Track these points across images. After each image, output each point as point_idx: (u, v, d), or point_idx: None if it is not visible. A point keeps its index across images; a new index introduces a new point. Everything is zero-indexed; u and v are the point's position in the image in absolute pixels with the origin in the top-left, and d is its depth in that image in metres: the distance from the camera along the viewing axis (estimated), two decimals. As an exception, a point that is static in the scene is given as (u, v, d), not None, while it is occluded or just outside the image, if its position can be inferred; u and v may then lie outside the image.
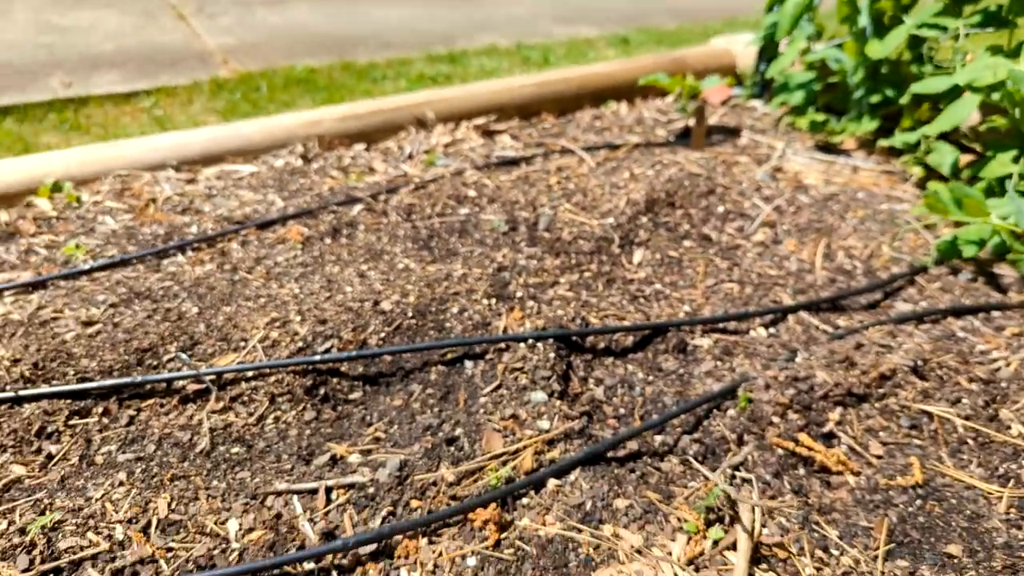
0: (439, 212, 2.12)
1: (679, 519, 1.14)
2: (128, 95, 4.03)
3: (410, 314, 1.60)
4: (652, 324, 1.58)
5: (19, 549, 1.08)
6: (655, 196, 2.12)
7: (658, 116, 2.93)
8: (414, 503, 1.18)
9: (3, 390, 1.38)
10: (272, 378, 1.44)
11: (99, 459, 1.29)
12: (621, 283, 1.79)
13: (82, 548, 1.09)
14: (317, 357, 1.45)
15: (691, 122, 2.71)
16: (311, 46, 4.82)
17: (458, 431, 1.31)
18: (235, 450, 1.31)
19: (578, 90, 3.07)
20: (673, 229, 2.01)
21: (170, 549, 1.09)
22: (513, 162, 2.48)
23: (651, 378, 1.48)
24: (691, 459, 1.27)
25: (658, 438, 1.33)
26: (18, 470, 1.26)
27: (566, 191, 2.21)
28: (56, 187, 2.32)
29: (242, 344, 1.52)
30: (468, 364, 1.49)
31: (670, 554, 1.08)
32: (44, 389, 1.38)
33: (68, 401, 1.37)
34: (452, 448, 1.28)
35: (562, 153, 2.56)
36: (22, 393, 1.36)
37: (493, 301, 1.67)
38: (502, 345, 1.51)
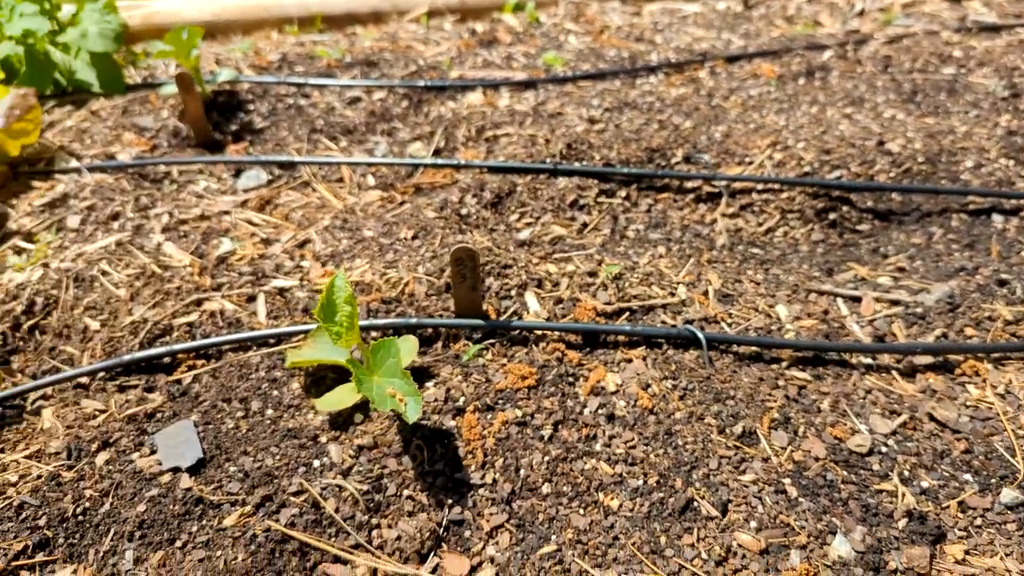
0: (920, 68, 1.95)
1: None
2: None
3: (920, 159, 1.51)
4: None
5: (593, 288, 1.22)
6: None
7: None
8: (968, 331, 1.13)
9: (543, 162, 1.53)
10: (784, 195, 1.44)
11: (630, 234, 1.39)
12: None
13: (649, 297, 1.19)
14: (833, 180, 1.42)
15: None
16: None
17: (1006, 276, 1.23)
18: (753, 251, 1.35)
19: (1062, -39, 2.60)
20: None
21: (730, 315, 1.16)
22: (993, 29, 2.20)
23: None
24: None
25: None
26: (558, 230, 1.41)
27: (1081, 62, 1.92)
28: (518, 6, 2.49)
29: (746, 160, 1.53)
30: (997, 218, 1.38)
31: None
32: (576, 166, 1.51)
33: (595, 181, 1.49)
34: (1003, 290, 1.21)
35: (1051, 26, 2.21)
36: (559, 167, 1.50)
37: (1010, 163, 1.52)
38: (1037, 204, 1.37)
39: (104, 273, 1.31)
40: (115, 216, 1.46)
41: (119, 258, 1.34)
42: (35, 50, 1.89)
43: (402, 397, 0.89)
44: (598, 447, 0.95)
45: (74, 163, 1.63)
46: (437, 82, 1.93)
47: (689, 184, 1.49)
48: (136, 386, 1.10)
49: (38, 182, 1.60)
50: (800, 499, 0.88)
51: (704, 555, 0.82)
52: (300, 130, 1.79)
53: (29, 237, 1.42)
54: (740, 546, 0.83)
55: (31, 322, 1.23)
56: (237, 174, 1.62)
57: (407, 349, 1.04)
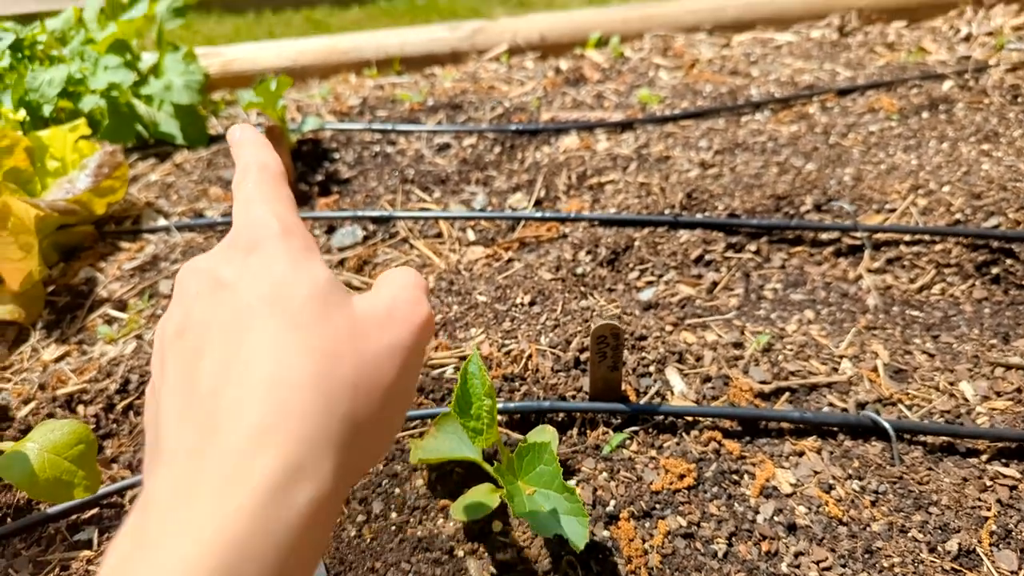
0: (1055, 98, 1.78)
1: None
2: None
3: (1087, 203, 1.34)
4: None
5: (743, 362, 1.08)
6: None
7: None
8: None
9: (661, 213, 1.41)
10: (937, 246, 1.29)
11: (767, 294, 1.25)
12: None
13: (810, 373, 1.05)
14: (991, 230, 1.27)
15: None
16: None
17: None
18: (912, 313, 1.20)
19: None
20: None
21: (908, 395, 1.01)
22: None
23: None
24: None
25: None
26: (686, 290, 1.28)
27: None
28: (601, 41, 2.38)
29: (886, 206, 1.39)
30: None
31: None
32: (699, 218, 1.38)
33: (720, 233, 1.36)
34: None
35: None
36: (680, 219, 1.37)
37: None
38: None
39: (200, 346, 1.21)
40: (207, 280, 1.38)
41: (214, 328, 1.25)
42: (118, 103, 1.85)
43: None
44: (784, 567, 0.81)
45: (162, 221, 1.57)
46: (529, 126, 1.83)
47: (824, 236, 1.35)
48: (244, 480, 0.99)
49: (126, 242, 1.53)
50: (1047, 640, 0.73)
51: None
52: (390, 180, 1.70)
53: (121, 305, 1.35)
54: None
55: (125, 402, 1.15)
56: (330, 231, 1.53)
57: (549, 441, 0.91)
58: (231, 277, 0.41)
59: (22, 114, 1.69)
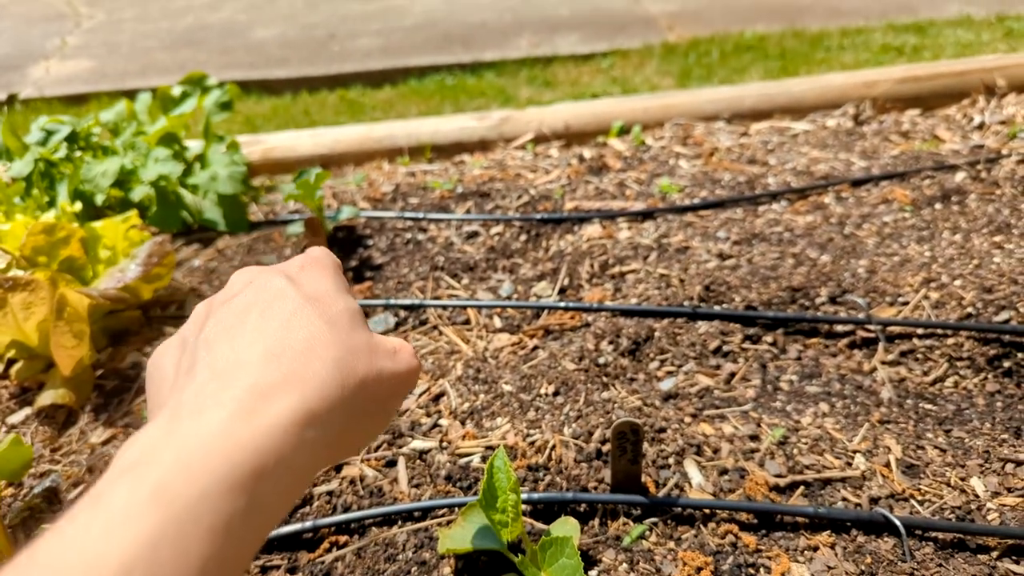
0: (1066, 189, 1.83)
1: None
2: (587, 56, 4.24)
3: (1098, 297, 1.38)
4: None
5: (759, 455, 1.12)
6: None
7: None
8: None
9: (680, 305, 1.47)
10: (949, 340, 1.33)
11: (783, 385, 1.30)
12: None
13: (824, 467, 1.09)
14: (1002, 325, 1.31)
15: None
16: (755, 13, 4.67)
17: None
18: (926, 406, 1.23)
19: None
20: None
21: (919, 491, 1.04)
22: None
23: None
24: None
25: None
26: (704, 380, 1.32)
27: None
28: (623, 130, 2.49)
29: (899, 299, 1.44)
30: None
31: None
32: (717, 310, 1.44)
33: (737, 325, 1.41)
34: None
35: None
36: (699, 311, 1.43)
37: None
38: None
39: (240, 430, 1.28)
40: (247, 365, 1.45)
41: (254, 413, 1.32)
42: (166, 192, 1.97)
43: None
44: (799, 663, 0.83)
45: (205, 308, 1.65)
46: (553, 215, 1.92)
47: (839, 327, 1.39)
48: (279, 566, 1.04)
49: (171, 327, 1.62)
50: None
51: None
52: (420, 267, 1.79)
53: (165, 389, 1.42)
54: None
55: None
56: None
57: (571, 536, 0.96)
58: (281, 281, 0.50)
59: (78, 206, 1.81)
